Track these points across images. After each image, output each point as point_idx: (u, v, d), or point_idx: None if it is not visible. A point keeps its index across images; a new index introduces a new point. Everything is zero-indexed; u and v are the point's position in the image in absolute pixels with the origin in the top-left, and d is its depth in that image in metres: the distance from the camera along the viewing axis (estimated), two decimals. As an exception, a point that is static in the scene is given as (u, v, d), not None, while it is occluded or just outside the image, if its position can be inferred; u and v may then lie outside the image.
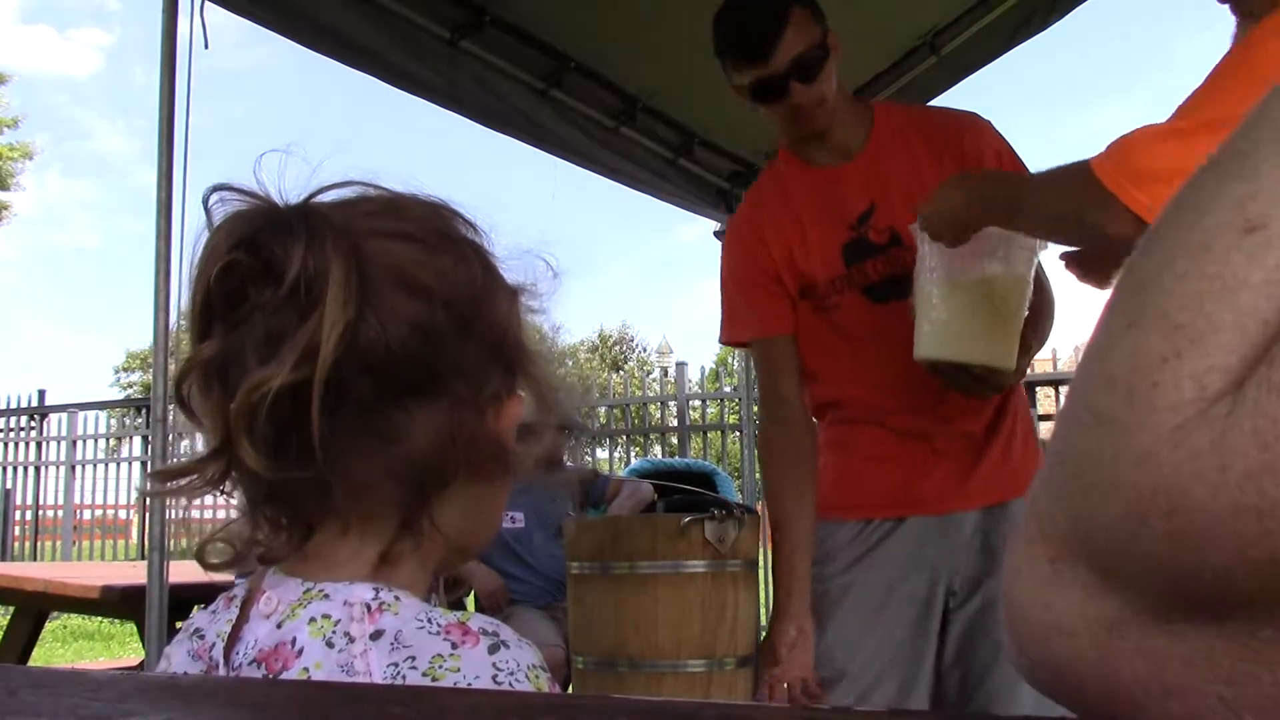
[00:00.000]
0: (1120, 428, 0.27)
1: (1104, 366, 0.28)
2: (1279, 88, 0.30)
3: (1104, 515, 0.27)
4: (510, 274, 0.75)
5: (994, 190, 1.56)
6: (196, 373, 0.66)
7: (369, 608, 0.66)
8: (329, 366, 0.62)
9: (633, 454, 7.83)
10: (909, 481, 1.84)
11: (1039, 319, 1.82)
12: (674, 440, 7.75)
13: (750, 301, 1.90)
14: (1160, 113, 1.60)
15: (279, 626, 0.67)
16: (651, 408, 7.95)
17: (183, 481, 0.67)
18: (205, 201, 0.68)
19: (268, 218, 0.66)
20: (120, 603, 2.85)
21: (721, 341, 2.01)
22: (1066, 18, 3.11)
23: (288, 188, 0.69)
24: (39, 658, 5.28)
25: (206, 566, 0.72)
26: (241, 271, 0.65)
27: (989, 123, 1.86)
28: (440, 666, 0.63)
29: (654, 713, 0.38)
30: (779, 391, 1.88)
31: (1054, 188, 1.43)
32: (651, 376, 14.37)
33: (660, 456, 7.43)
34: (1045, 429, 6.38)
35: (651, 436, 7.94)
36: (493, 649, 0.65)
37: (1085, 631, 0.28)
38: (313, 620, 0.66)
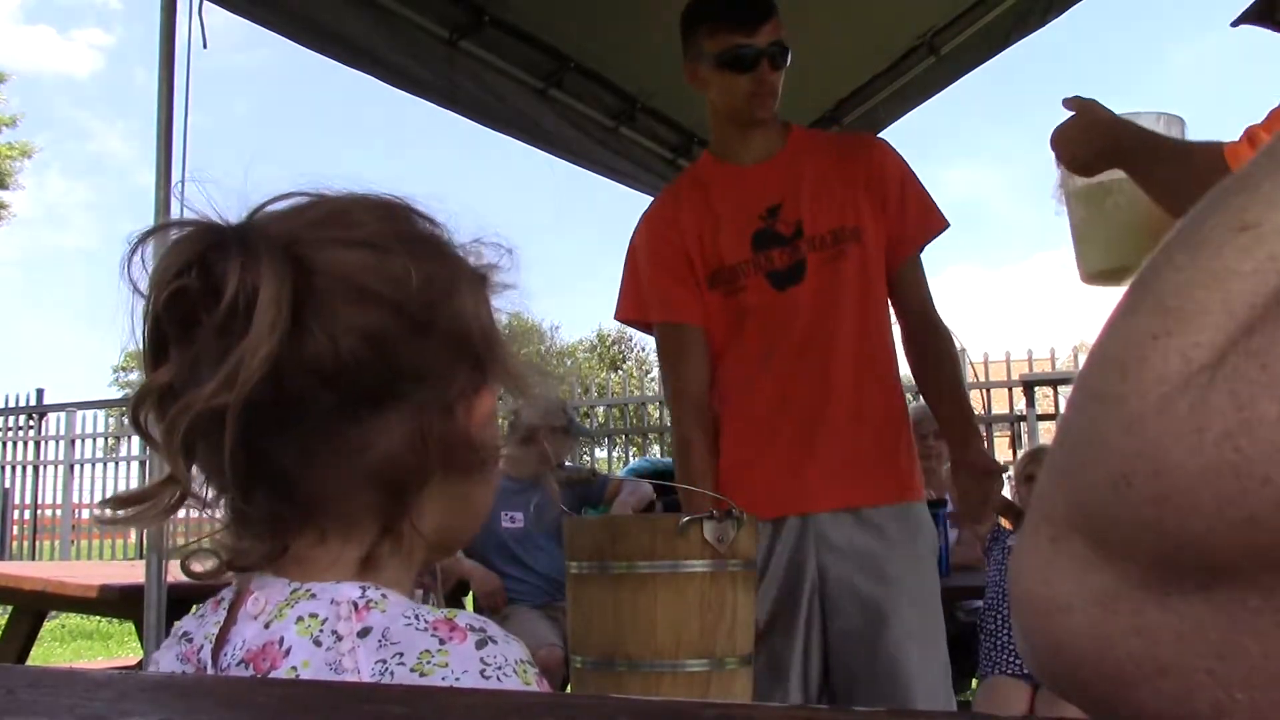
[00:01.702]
0: (1110, 400, 0.28)
1: (1100, 350, 0.30)
2: None
3: (1094, 481, 0.28)
4: (474, 259, 0.74)
5: (1119, 145, 1.51)
6: (151, 398, 0.66)
7: (356, 606, 0.65)
8: (248, 391, 0.61)
9: (631, 454, 7.83)
10: (787, 481, 1.93)
11: (940, 362, 2.04)
12: (673, 440, 7.74)
13: (661, 286, 2.06)
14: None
15: (266, 626, 0.66)
16: (650, 407, 7.96)
17: (137, 509, 0.66)
18: (143, 240, 0.67)
19: (209, 238, 0.65)
20: (119, 602, 2.83)
21: (617, 318, 2.17)
22: (1062, 17, 3.12)
23: (233, 205, 0.68)
24: (37, 657, 5.28)
25: (190, 574, 0.71)
26: (190, 295, 0.64)
27: (892, 146, 2.12)
28: (428, 662, 0.63)
29: (654, 713, 0.38)
30: (682, 377, 2.04)
31: (1180, 160, 1.41)
32: (650, 376, 14.38)
33: (660, 456, 7.43)
34: (1045, 429, 6.38)
35: (651, 436, 7.95)
36: (480, 644, 0.65)
37: (1081, 607, 0.29)
38: (300, 619, 0.65)
